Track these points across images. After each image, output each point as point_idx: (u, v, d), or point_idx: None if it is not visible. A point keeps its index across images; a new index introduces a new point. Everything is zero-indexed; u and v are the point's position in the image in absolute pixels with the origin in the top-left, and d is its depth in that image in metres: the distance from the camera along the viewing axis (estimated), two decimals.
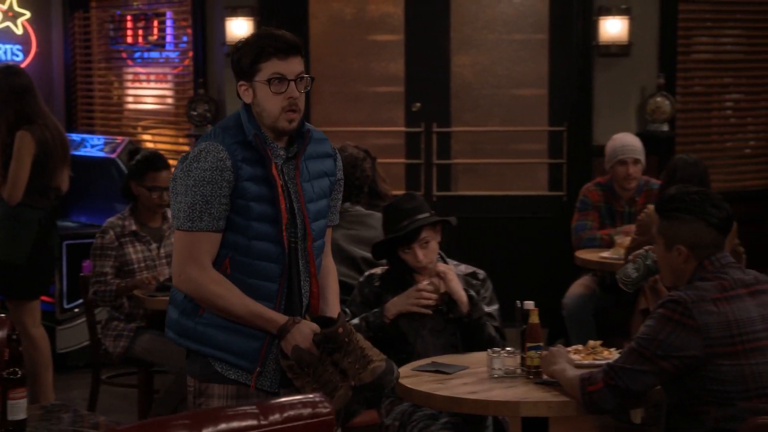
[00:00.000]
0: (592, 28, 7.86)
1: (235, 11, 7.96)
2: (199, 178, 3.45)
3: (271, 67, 3.51)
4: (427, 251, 4.50)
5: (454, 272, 4.53)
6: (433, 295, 4.45)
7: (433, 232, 4.52)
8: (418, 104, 8.11)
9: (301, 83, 3.54)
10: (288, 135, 3.58)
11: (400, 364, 3.87)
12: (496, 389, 3.86)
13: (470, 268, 4.70)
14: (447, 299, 4.50)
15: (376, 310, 4.52)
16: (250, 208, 3.49)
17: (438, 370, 4.10)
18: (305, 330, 3.47)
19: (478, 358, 4.19)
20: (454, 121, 8.18)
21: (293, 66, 3.53)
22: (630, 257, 4.21)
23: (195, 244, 3.48)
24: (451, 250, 4.80)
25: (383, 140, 8.21)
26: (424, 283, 4.47)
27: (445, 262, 4.63)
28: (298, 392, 3.43)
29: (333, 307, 3.68)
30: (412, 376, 4.05)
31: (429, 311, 4.46)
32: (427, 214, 4.49)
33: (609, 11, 7.80)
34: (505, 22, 8.14)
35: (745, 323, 3.59)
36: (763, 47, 8.38)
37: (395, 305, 4.48)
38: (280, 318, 3.50)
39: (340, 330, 3.44)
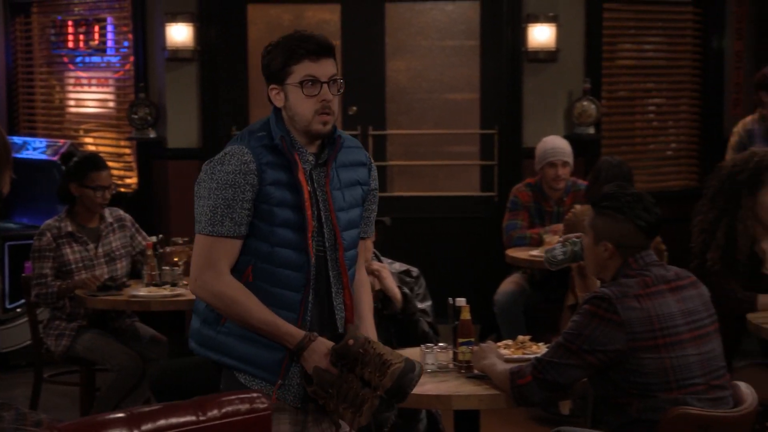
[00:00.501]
0: (521, 35, 7.88)
1: (175, 17, 7.89)
2: (223, 181, 3.30)
3: (303, 69, 3.37)
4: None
5: (388, 270, 4.59)
6: None
7: None
8: (355, 108, 8.10)
9: (334, 86, 3.41)
10: (321, 139, 3.42)
11: None
12: (429, 383, 3.86)
13: (404, 266, 4.76)
14: (381, 296, 4.57)
15: None
16: (273, 214, 3.32)
17: None
18: (321, 349, 3.30)
19: (411, 353, 4.05)
20: (389, 124, 8.17)
21: (326, 68, 3.40)
22: (561, 239, 4.17)
23: (214, 250, 3.31)
24: (385, 249, 4.83)
25: None
26: None
27: (380, 261, 4.68)
28: (326, 411, 3.34)
29: (366, 321, 3.54)
30: None
31: None
32: None
33: (537, 19, 7.83)
34: (437, 29, 8.14)
35: (666, 318, 3.65)
36: (682, 54, 8.47)
37: None
38: (297, 333, 3.32)
39: (351, 342, 3.24)
